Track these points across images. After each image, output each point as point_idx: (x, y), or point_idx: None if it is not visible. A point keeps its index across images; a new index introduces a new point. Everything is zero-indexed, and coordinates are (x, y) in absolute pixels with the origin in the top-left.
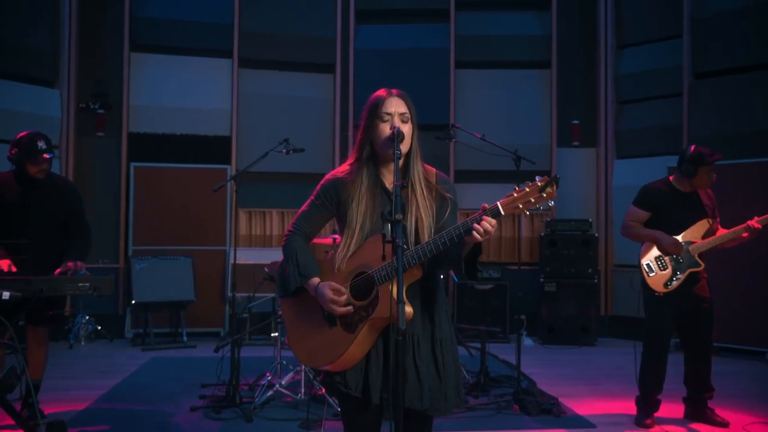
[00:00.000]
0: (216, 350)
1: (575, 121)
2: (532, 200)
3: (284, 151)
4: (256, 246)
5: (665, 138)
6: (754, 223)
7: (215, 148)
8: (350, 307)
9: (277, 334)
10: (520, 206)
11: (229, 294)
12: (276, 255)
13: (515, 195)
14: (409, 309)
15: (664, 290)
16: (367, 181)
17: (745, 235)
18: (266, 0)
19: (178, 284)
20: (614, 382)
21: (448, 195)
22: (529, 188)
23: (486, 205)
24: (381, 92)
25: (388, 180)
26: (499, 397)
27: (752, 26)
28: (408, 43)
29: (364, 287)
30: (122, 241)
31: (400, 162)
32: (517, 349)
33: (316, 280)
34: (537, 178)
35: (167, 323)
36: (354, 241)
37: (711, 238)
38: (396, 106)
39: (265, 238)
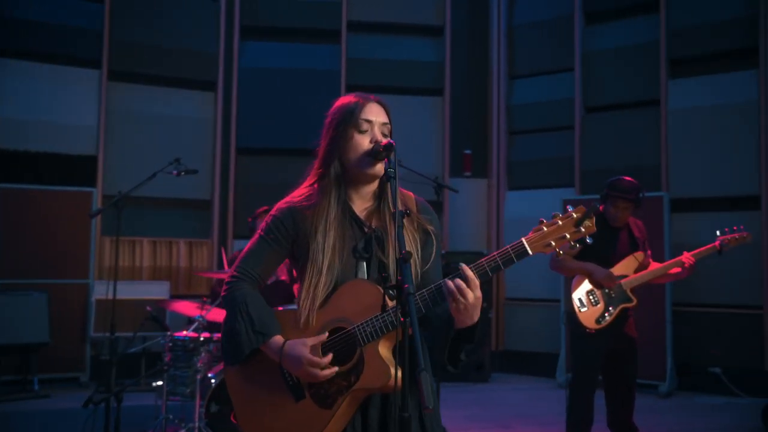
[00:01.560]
0: (86, 405)
1: (467, 151)
2: (567, 236)
3: (175, 172)
4: (124, 279)
5: (557, 170)
6: (687, 257)
7: (78, 169)
8: (335, 369)
9: (162, 383)
10: (553, 244)
11: (100, 334)
12: (148, 289)
13: (545, 230)
14: (393, 372)
15: (596, 326)
16: (337, 207)
17: (678, 270)
18: (142, 9)
19: (30, 324)
20: (526, 424)
21: (431, 228)
22: (562, 221)
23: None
24: (352, 97)
25: (359, 207)
26: None
27: (640, 63)
28: (297, 63)
29: (341, 348)
30: None
31: (375, 186)
32: (435, 393)
33: (279, 338)
34: (569, 209)
35: (14, 370)
36: (321, 285)
37: (643, 273)
38: (377, 114)
39: (134, 269)
